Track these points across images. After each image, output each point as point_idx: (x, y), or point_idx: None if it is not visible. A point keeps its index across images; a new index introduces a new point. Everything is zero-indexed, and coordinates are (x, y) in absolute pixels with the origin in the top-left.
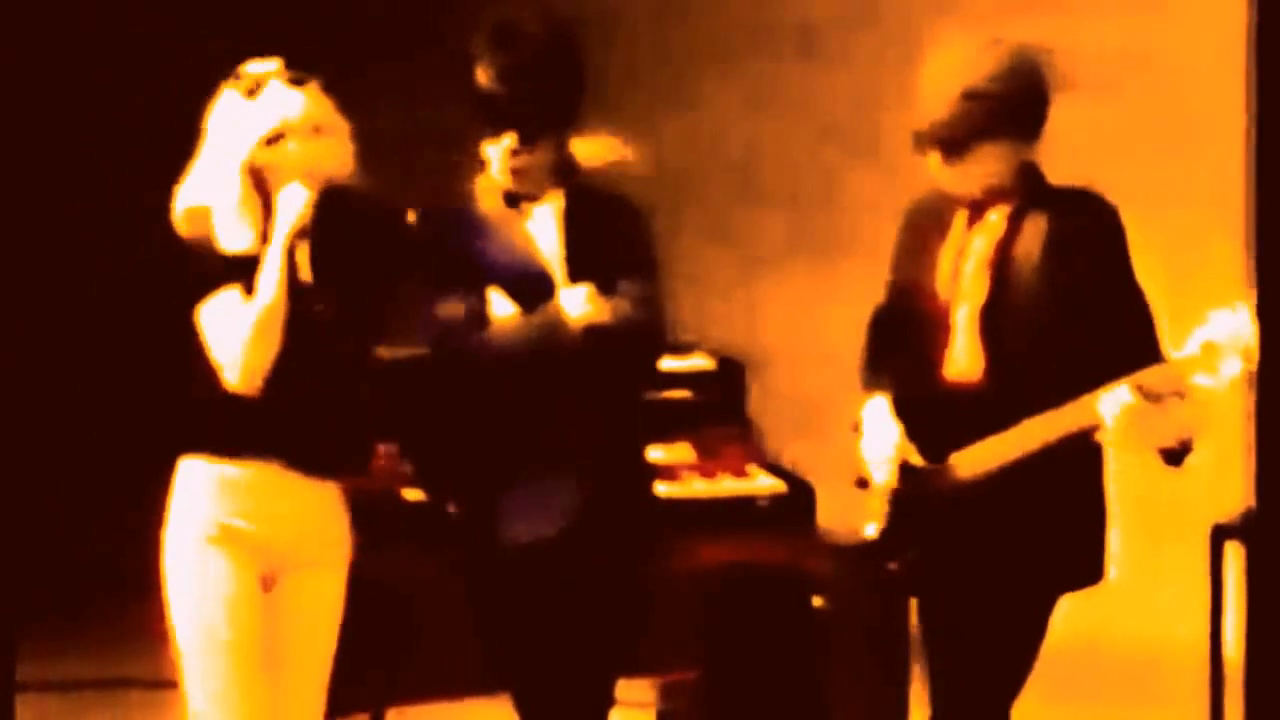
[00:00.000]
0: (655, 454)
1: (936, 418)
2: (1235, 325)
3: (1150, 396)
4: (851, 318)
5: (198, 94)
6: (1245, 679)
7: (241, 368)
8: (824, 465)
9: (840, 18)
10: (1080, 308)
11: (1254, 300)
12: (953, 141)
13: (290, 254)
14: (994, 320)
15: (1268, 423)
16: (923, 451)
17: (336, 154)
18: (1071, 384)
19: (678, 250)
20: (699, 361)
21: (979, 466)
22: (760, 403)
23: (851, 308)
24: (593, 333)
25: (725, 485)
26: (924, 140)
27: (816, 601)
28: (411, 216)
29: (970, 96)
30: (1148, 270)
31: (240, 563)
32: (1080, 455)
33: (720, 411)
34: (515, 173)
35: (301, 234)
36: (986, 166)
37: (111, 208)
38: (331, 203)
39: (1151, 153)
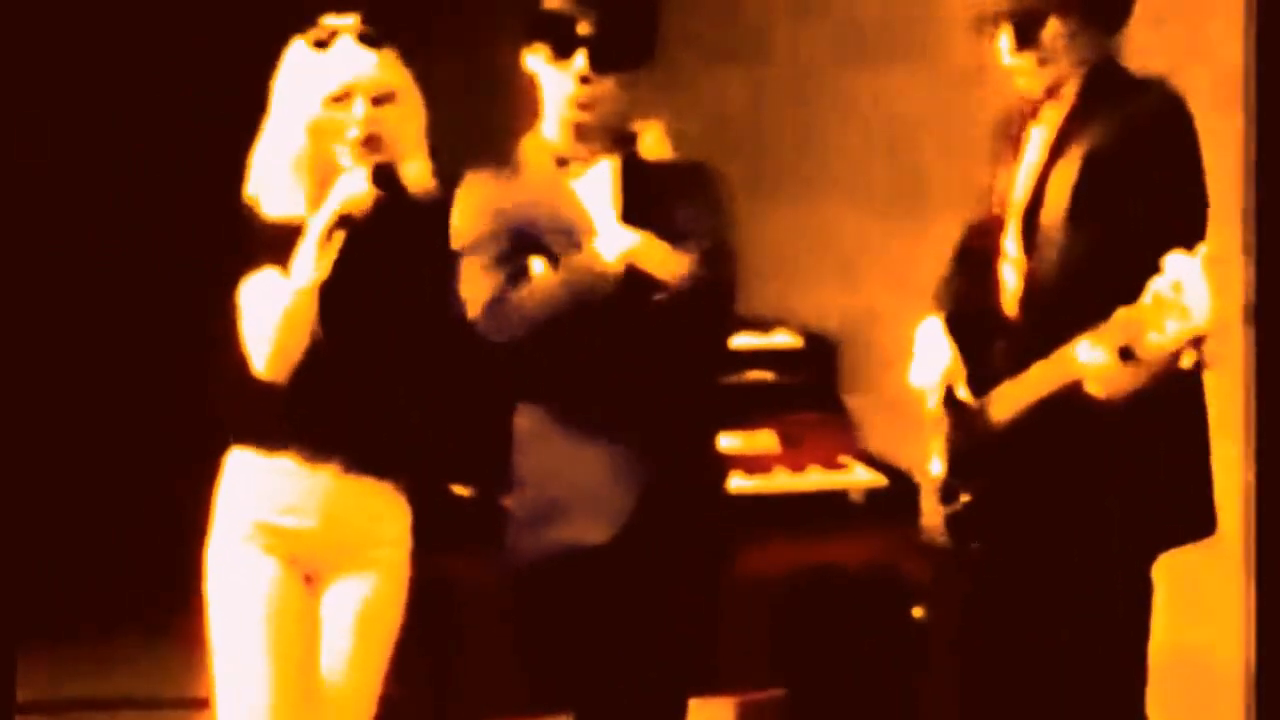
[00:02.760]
0: (734, 442)
1: (988, 347)
2: (1178, 274)
3: (1126, 355)
4: None
5: (263, 54)
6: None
7: (267, 354)
8: (927, 456)
9: None
10: (1118, 225)
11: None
12: (1025, 19)
13: (331, 240)
14: (1032, 236)
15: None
16: (978, 385)
17: (404, 125)
18: (1101, 313)
19: (756, 216)
20: (784, 339)
21: (1003, 410)
22: (854, 385)
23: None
24: (636, 278)
25: (814, 478)
26: (992, 17)
27: (917, 612)
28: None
29: None
30: None
31: (285, 560)
32: (1174, 394)
33: (809, 395)
34: (583, 105)
35: (345, 222)
36: (1059, 52)
37: (162, 180)
38: (385, 193)
39: None
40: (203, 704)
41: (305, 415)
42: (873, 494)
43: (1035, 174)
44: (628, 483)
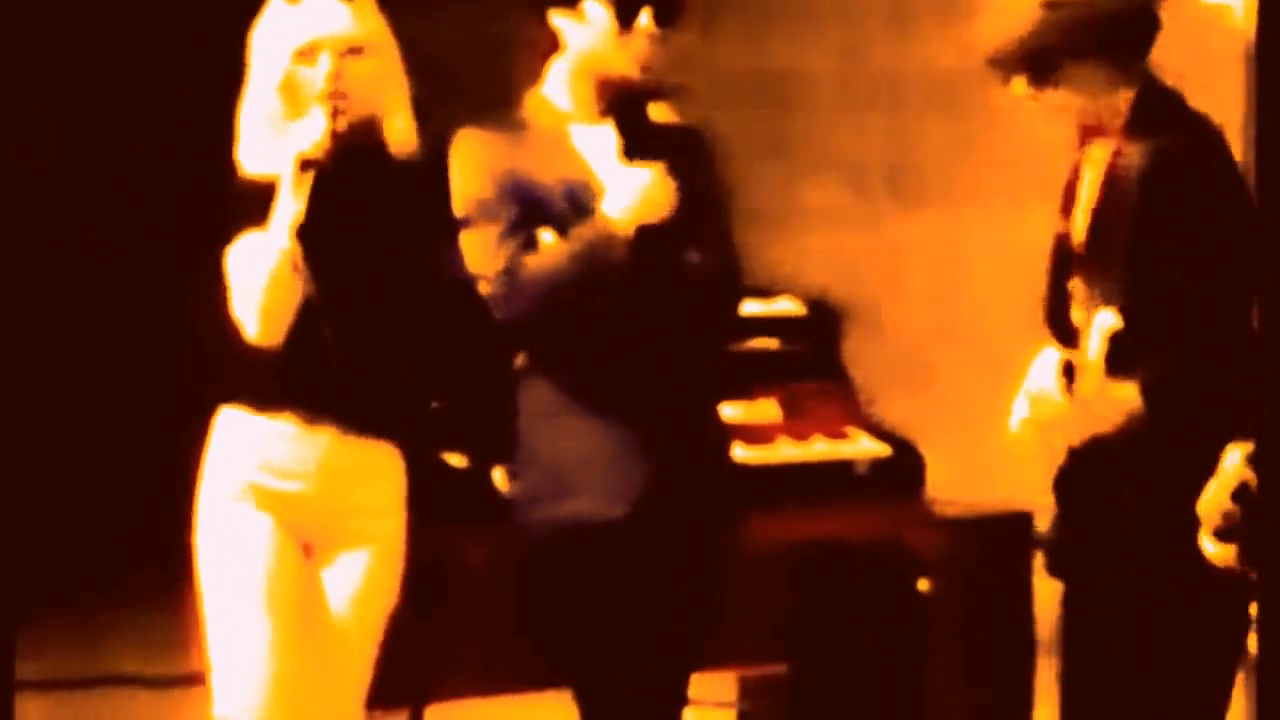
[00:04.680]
0: (735, 412)
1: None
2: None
3: (1067, 372)
4: (964, 255)
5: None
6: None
7: (258, 317)
8: (933, 426)
9: None
10: (1160, 258)
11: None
12: (1038, 63)
13: (298, 185)
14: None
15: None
16: None
17: (376, 78)
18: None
19: (762, 181)
20: (787, 305)
21: None
22: (859, 353)
23: (964, 244)
24: (647, 240)
25: (818, 449)
26: (1004, 64)
27: (923, 584)
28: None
29: (1055, 5)
30: None
31: (280, 524)
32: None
33: (812, 363)
34: (645, 65)
35: (309, 166)
36: (1080, 92)
37: (150, 144)
38: (364, 141)
39: None
40: (198, 679)
41: (302, 376)
42: (878, 464)
43: (1088, 208)
44: (639, 457)
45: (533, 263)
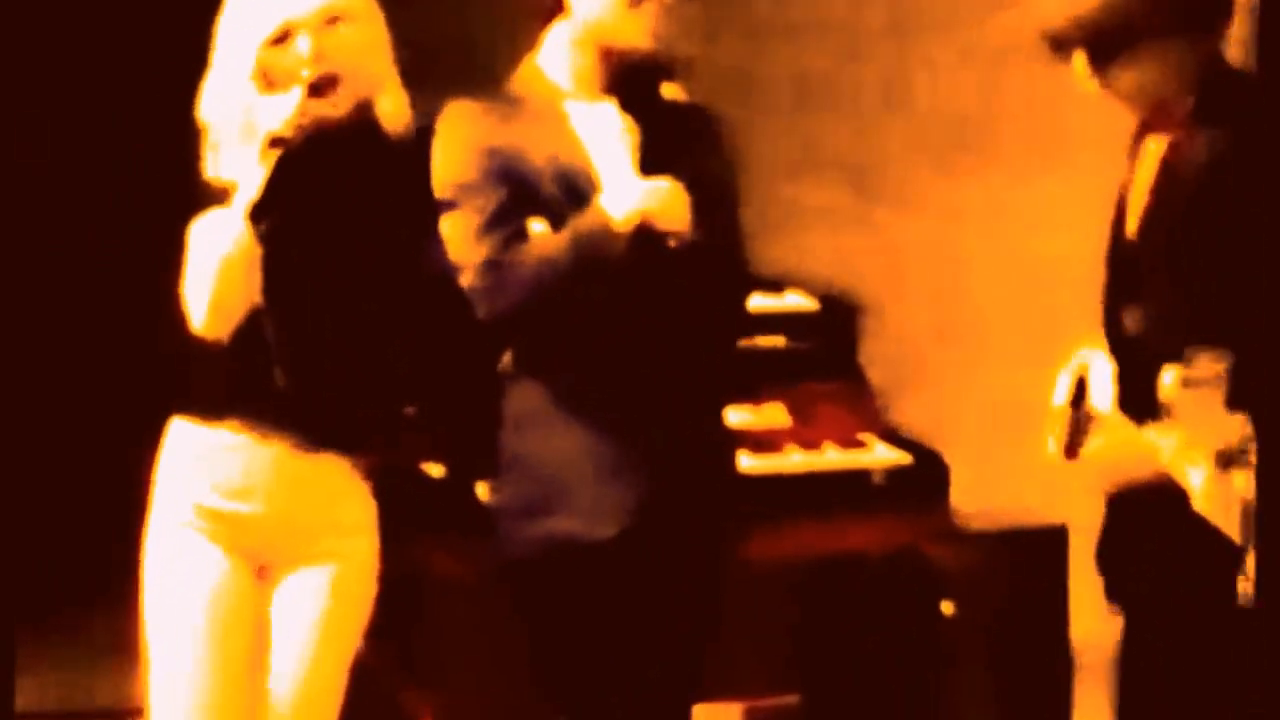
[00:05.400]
0: (741, 417)
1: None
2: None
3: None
4: (993, 245)
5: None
6: None
7: (205, 303)
8: (957, 432)
9: None
10: (1215, 262)
11: None
12: (1107, 41)
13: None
14: (1146, 272)
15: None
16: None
17: (361, 46)
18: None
19: (772, 168)
20: (797, 300)
21: None
22: (876, 353)
23: (994, 233)
24: (646, 238)
25: (830, 457)
26: (1066, 40)
27: (946, 606)
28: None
29: None
30: None
31: (231, 551)
32: None
33: (824, 363)
34: (658, 35)
35: (278, 144)
36: (1150, 74)
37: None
38: (357, 123)
39: None
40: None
41: (254, 380)
42: (895, 474)
43: (1140, 207)
44: (634, 469)
45: (522, 255)
